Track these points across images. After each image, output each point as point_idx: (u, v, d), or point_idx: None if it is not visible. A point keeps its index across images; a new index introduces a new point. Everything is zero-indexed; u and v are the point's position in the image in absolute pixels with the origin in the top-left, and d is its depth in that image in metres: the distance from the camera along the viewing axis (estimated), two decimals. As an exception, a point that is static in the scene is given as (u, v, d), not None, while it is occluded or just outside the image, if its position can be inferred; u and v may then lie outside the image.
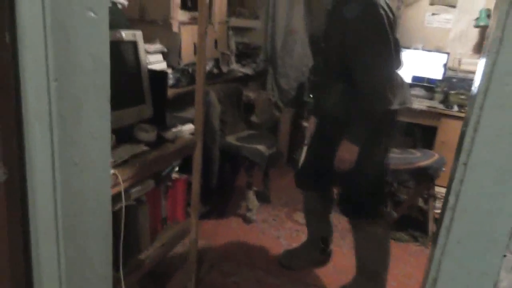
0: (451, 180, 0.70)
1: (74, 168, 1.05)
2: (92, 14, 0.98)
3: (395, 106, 1.80)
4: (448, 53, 3.64)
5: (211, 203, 2.80)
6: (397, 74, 1.85)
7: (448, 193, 0.70)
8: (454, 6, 3.57)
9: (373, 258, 2.00)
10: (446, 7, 3.59)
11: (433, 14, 3.66)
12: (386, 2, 1.71)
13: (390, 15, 1.70)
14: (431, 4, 3.65)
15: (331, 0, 1.78)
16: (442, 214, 0.73)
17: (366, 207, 1.93)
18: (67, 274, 1.07)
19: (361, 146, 1.78)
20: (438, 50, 3.69)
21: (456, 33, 3.62)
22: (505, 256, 0.68)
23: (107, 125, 1.14)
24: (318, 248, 2.35)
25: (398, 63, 1.82)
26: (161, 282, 2.03)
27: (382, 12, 1.66)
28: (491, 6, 3.37)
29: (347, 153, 1.78)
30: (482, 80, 0.62)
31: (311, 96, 3.68)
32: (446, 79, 3.67)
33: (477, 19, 3.47)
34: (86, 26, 0.98)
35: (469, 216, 0.67)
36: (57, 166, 0.99)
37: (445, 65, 3.64)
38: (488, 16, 3.33)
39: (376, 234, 1.96)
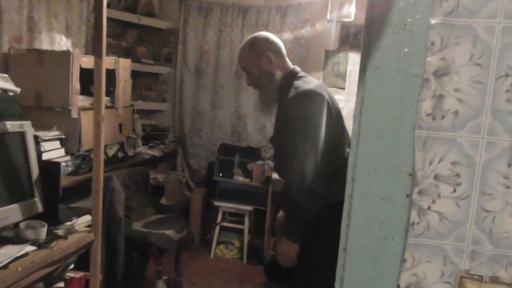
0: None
1: None
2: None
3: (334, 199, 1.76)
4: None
5: (117, 298, 2.56)
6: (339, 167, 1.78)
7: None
8: (343, 88, 3.98)
9: None
10: (336, 89, 3.99)
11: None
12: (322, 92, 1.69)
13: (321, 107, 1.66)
14: (324, 86, 4.04)
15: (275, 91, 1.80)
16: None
17: None
18: None
19: (301, 244, 1.69)
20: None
21: (348, 112, 4.00)
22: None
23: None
24: None
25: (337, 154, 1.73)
26: None
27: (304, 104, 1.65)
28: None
29: (285, 249, 1.71)
30: (349, 170, 0.67)
31: (221, 175, 3.73)
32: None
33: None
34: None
35: (354, 302, 0.69)
36: None
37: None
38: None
39: None
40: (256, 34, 1.85)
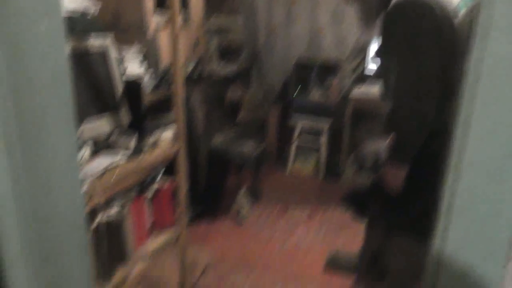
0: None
1: (40, 191, 0.99)
2: (46, 23, 0.93)
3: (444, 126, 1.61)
4: None
5: (202, 205, 2.75)
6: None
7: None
8: None
9: (408, 275, 1.89)
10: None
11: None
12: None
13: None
14: None
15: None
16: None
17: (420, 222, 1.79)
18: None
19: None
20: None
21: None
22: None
23: (73, 142, 1.08)
24: (367, 259, 2.19)
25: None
26: (153, 292, 1.98)
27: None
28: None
29: (392, 175, 1.66)
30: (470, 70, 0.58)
31: (297, 92, 3.65)
32: None
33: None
34: (40, 39, 0.92)
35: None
36: (19, 192, 0.93)
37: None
38: None
39: (420, 252, 1.81)
40: None
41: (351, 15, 3.64)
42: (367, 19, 1.70)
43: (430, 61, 1.46)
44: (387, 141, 1.93)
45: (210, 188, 2.78)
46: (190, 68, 3.03)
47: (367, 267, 2.20)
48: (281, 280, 2.18)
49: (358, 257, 2.23)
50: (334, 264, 2.26)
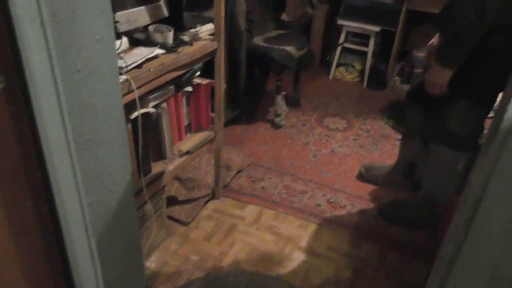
0: None
1: (77, 75, 0.96)
2: None
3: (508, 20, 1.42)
4: None
5: (240, 107, 2.72)
6: None
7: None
8: None
9: (441, 188, 1.85)
10: None
11: None
12: None
13: None
14: None
15: None
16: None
17: (460, 136, 1.70)
18: (84, 185, 1.05)
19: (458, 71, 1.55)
20: None
21: None
22: None
23: (110, 25, 1.01)
24: (402, 171, 2.16)
25: None
26: (188, 187, 2.05)
27: None
28: None
29: (434, 76, 1.59)
30: None
31: None
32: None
33: None
34: None
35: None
36: (57, 73, 0.90)
37: None
38: None
39: (455, 165, 1.75)
40: None
41: None
42: None
43: None
44: (435, 39, 1.77)
45: (249, 89, 2.71)
46: (233, -43, 2.77)
47: (401, 179, 2.17)
48: (313, 186, 2.20)
49: (392, 168, 2.19)
50: (367, 174, 2.24)
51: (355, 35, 3.46)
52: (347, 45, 3.48)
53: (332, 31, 3.62)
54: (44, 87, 0.88)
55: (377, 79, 3.43)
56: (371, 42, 3.33)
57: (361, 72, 3.52)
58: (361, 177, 2.26)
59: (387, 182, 2.20)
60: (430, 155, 1.82)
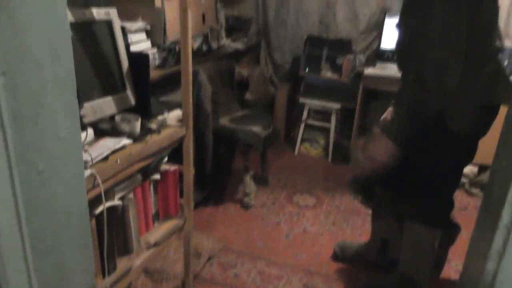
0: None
1: (38, 177, 0.89)
2: (44, -9, 0.80)
3: (469, 102, 1.50)
4: None
5: (207, 189, 2.66)
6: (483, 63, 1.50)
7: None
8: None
9: (418, 266, 1.82)
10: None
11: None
12: None
13: None
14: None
15: None
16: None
17: (434, 214, 1.71)
18: (41, 296, 0.93)
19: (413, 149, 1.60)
20: None
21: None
22: None
23: (76, 123, 0.97)
24: (376, 249, 2.12)
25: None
26: (156, 280, 1.91)
27: None
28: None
29: (379, 148, 1.62)
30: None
31: (307, 70, 3.49)
32: None
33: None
34: (37, 7, 0.79)
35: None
36: (16, 176, 0.83)
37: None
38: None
39: (431, 243, 1.74)
40: None
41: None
42: None
43: (463, 32, 1.36)
44: (387, 113, 1.83)
45: (217, 170, 2.68)
46: (197, 43, 2.89)
47: (376, 257, 2.12)
48: (288, 270, 2.10)
49: (366, 247, 2.15)
50: (342, 255, 2.18)
51: (317, 112, 3.59)
52: (310, 122, 3.59)
53: (295, 108, 3.74)
54: (1, 193, 0.80)
55: (341, 154, 3.51)
56: (333, 118, 3.45)
57: (325, 147, 3.60)
58: (336, 257, 2.20)
59: (363, 261, 2.14)
60: (405, 233, 1.81)
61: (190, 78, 1.65)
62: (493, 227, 0.56)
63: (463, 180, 3.08)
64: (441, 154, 1.60)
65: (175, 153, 1.77)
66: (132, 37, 2.32)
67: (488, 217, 0.60)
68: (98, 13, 1.40)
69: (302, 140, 3.64)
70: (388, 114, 1.83)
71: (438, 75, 1.40)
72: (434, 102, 1.44)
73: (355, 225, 2.55)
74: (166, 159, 1.72)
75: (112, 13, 1.46)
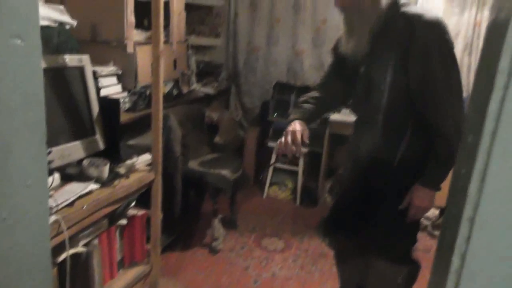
0: (452, 236, 0.59)
1: (1, 225, 0.87)
2: (19, 42, 0.82)
3: None
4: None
5: (175, 233, 2.62)
6: None
7: (449, 253, 0.59)
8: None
9: None
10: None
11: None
12: None
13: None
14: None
15: (379, 19, 1.47)
16: (440, 277, 0.62)
17: (398, 250, 1.73)
18: None
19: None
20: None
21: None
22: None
23: (44, 169, 0.97)
24: None
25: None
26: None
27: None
28: (448, 22, 3.42)
29: (426, 200, 1.56)
30: (488, 119, 0.52)
31: (276, 115, 3.59)
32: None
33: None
34: (11, 56, 0.82)
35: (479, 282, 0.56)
36: (-22, 224, 0.81)
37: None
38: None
39: (395, 280, 1.74)
40: None
41: (332, 38, 3.65)
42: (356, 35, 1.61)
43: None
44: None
45: (185, 214, 2.65)
46: (168, 87, 2.94)
47: None
48: (257, 316, 2.07)
49: None
50: None
51: (285, 155, 3.64)
52: (279, 165, 3.64)
53: (264, 151, 3.79)
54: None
55: (309, 197, 3.55)
56: (301, 162, 3.52)
57: (294, 190, 3.64)
58: None
59: None
60: (370, 272, 1.83)
61: (160, 124, 1.68)
62: (445, 272, 0.60)
63: (426, 222, 3.18)
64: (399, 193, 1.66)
65: (143, 196, 1.75)
66: (103, 81, 2.34)
67: (441, 262, 0.64)
68: (70, 59, 1.42)
69: (271, 183, 3.68)
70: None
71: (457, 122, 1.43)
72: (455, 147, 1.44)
73: (324, 269, 2.55)
74: (133, 203, 1.70)
75: (84, 59, 1.49)
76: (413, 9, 1.47)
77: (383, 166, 1.60)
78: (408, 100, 1.49)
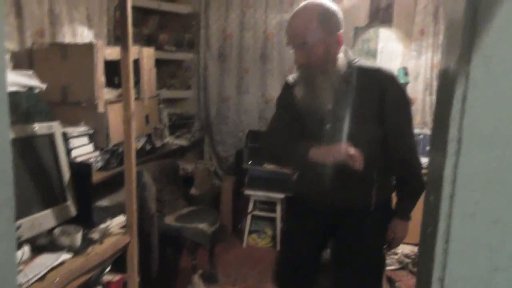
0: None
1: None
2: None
3: None
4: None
5: (153, 293, 2.52)
6: None
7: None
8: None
9: None
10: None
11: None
12: None
13: None
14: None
15: (340, 77, 1.54)
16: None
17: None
18: None
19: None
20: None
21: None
22: None
23: (12, 245, 0.93)
24: None
25: None
26: None
27: None
28: (408, 65, 3.62)
29: (406, 230, 1.69)
30: (445, 184, 0.55)
31: (250, 163, 3.62)
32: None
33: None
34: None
35: None
36: None
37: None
38: (406, 74, 3.56)
39: None
40: (322, 4, 1.49)
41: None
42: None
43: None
44: None
45: (163, 273, 2.57)
46: (141, 143, 2.94)
47: None
48: None
49: None
50: None
51: (263, 202, 3.65)
52: (256, 213, 3.63)
53: (240, 200, 3.78)
54: None
55: (289, 243, 3.52)
56: (278, 208, 3.52)
57: (273, 237, 3.61)
58: None
59: None
60: None
61: (134, 182, 1.66)
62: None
63: (407, 260, 3.19)
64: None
65: (119, 258, 1.70)
66: (74, 142, 2.33)
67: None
68: (40, 127, 1.42)
69: (250, 232, 3.64)
70: None
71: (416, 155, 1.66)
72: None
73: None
74: (109, 268, 1.65)
75: (54, 126, 1.49)
76: (368, 63, 1.62)
77: (361, 211, 1.63)
78: (379, 146, 1.58)
